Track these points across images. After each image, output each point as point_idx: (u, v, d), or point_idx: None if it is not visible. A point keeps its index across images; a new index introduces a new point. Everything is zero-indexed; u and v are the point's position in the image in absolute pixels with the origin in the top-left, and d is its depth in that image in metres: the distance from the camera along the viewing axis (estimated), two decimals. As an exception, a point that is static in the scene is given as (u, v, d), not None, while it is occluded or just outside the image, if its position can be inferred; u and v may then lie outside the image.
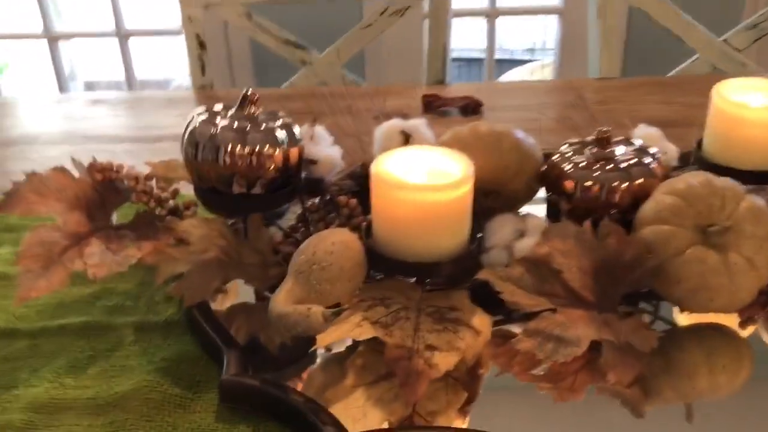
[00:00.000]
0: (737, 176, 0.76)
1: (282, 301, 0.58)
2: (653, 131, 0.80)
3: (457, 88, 1.23)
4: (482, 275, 0.65)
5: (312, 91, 1.26)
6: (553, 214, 0.73)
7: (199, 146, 0.65)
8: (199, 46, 1.26)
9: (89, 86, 3.41)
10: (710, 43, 1.29)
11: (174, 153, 0.73)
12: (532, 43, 3.59)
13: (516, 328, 0.64)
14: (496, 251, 0.69)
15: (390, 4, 1.26)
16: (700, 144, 0.80)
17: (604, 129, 0.70)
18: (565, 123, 1.07)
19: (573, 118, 1.07)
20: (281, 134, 0.66)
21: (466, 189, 0.61)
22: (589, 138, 0.74)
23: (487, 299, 0.66)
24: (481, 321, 0.62)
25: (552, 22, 3.40)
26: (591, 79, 1.25)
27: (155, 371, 0.64)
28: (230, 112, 0.68)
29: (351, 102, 1.19)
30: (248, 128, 0.65)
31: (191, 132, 0.66)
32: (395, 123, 0.72)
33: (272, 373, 0.62)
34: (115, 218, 0.73)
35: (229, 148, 0.64)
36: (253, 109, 0.67)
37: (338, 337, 0.58)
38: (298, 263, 0.60)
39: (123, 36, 2.07)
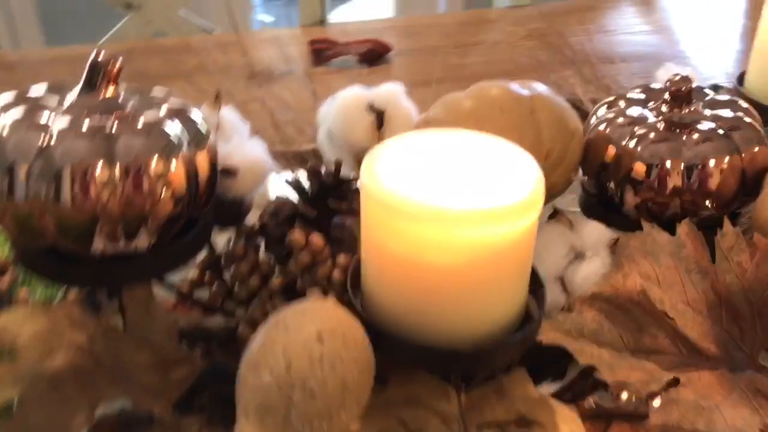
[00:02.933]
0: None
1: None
2: (685, 71, 0.58)
3: (344, 31, 0.94)
4: (546, 336, 0.40)
5: (146, 46, 0.91)
6: (598, 211, 0.48)
7: (16, 174, 0.33)
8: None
9: None
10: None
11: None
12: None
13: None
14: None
15: None
16: (741, 79, 0.59)
17: (679, 78, 0.46)
18: (529, 65, 0.82)
19: (534, 58, 0.83)
20: (175, 130, 0.35)
21: (537, 212, 0.35)
22: (636, 92, 0.49)
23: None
24: (573, 428, 0.37)
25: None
26: (504, 9, 1.01)
27: None
28: (68, 100, 0.36)
29: (209, 58, 0.86)
30: (112, 128, 0.34)
31: (-5, 146, 0.33)
32: (358, 94, 0.43)
33: None
34: None
35: (83, 173, 0.33)
36: (112, 89, 0.36)
37: None
38: (261, 392, 0.31)
39: None
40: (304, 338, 0.32)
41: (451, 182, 0.34)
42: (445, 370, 0.38)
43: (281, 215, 0.42)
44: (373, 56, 0.86)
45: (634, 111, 0.47)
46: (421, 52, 0.88)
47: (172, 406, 0.40)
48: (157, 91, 0.39)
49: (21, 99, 0.36)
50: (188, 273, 0.45)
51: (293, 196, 0.42)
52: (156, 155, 0.34)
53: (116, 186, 0.33)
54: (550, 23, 0.95)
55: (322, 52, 0.86)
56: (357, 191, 0.44)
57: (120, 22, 0.96)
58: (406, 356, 0.36)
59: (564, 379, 0.43)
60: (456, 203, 0.33)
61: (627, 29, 0.96)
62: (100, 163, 0.33)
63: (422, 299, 0.35)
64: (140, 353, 0.39)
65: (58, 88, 0.37)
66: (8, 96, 0.36)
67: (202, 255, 0.43)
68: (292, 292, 0.42)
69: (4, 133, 0.33)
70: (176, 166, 0.34)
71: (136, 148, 0.33)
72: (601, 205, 0.48)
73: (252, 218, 0.45)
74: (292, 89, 0.80)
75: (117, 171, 0.33)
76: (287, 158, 0.60)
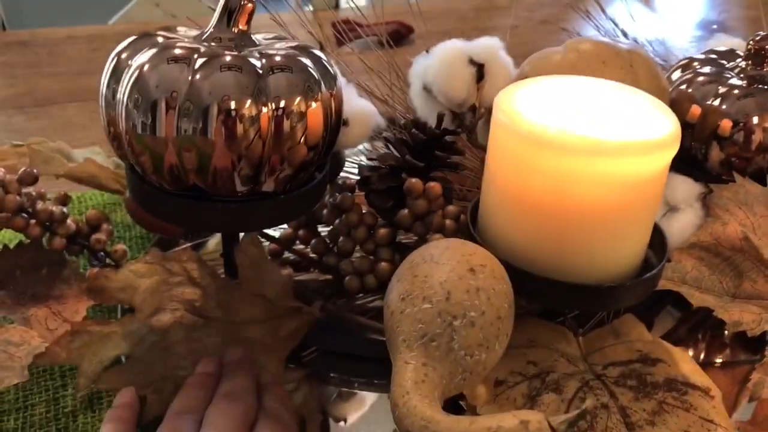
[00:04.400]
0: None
1: (424, 403, 0.29)
2: (736, 42, 0.59)
3: (365, 12, 0.94)
4: (664, 285, 0.40)
5: (160, 26, 0.89)
6: (677, 168, 0.49)
7: (158, 108, 0.32)
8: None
9: None
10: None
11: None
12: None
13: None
14: (645, 238, 0.44)
15: None
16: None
17: (760, 35, 0.47)
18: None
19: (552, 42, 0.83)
20: (311, 71, 0.35)
21: (673, 151, 0.35)
22: (717, 51, 0.51)
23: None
24: (694, 367, 0.37)
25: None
26: (514, -4, 1.02)
27: None
28: (207, 36, 0.35)
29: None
30: (258, 66, 0.33)
31: (138, 80, 0.32)
32: (458, 47, 0.43)
33: None
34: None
35: (231, 110, 0.32)
36: (244, 27, 0.35)
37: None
38: (426, 322, 0.31)
39: None
40: (458, 271, 0.32)
41: (588, 120, 0.35)
42: (573, 305, 0.38)
43: (384, 168, 0.41)
44: (398, 36, 0.86)
45: (712, 71, 0.49)
46: (442, 35, 0.89)
47: (282, 360, 0.39)
48: (287, 36, 0.38)
49: (158, 36, 0.35)
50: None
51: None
52: (298, 95, 0.33)
53: (263, 125, 0.32)
54: (565, 8, 0.97)
55: (346, 33, 0.85)
56: (456, 145, 0.44)
57: (128, 5, 0.94)
58: (535, 292, 0.36)
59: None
60: (599, 135, 0.33)
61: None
62: (248, 102, 0.32)
63: (556, 235, 0.35)
64: (253, 308, 0.38)
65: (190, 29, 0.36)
66: (139, 36, 0.35)
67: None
68: (396, 244, 0.42)
69: (145, 68, 0.32)
70: (314, 107, 0.34)
71: (281, 87, 0.33)
72: (683, 161, 0.49)
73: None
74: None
75: (266, 109, 0.32)
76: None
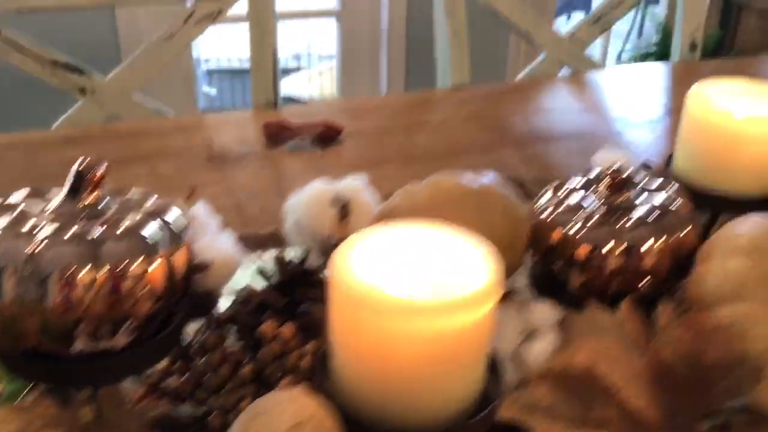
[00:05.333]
0: (723, 204, 0.62)
1: None
2: (618, 156, 0.63)
3: (299, 110, 0.98)
4: (504, 412, 0.42)
5: (102, 130, 0.93)
6: (546, 290, 0.52)
7: (3, 280, 0.34)
8: None
9: None
10: (557, 39, 1.17)
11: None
12: (297, 50, 3.38)
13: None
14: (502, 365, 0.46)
15: (196, 8, 0.97)
16: (669, 161, 0.64)
17: (616, 167, 0.50)
18: (472, 145, 0.87)
19: (477, 137, 0.87)
20: (154, 232, 0.37)
21: (493, 302, 0.38)
22: (577, 180, 0.54)
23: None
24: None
25: (315, 27, 3.23)
26: (447, 90, 1.07)
27: None
28: (51, 206, 0.38)
29: (164, 143, 0.88)
30: (97, 233, 0.36)
31: (-17, 252, 0.35)
32: (322, 189, 0.46)
33: None
34: None
35: (68, 278, 0.34)
36: (95, 195, 0.38)
37: None
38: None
39: None
40: (279, 427, 0.34)
41: (414, 274, 0.37)
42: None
43: (251, 304, 0.44)
44: (326, 138, 0.89)
45: (576, 196, 0.52)
46: (371, 132, 0.93)
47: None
48: (136, 193, 0.41)
49: (4, 207, 0.37)
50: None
51: (260, 284, 0.44)
52: (136, 259, 0.36)
53: (99, 289, 0.35)
54: (491, 103, 1.01)
55: (276, 135, 0.89)
56: (324, 280, 0.46)
57: (73, 107, 0.97)
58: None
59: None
60: (418, 294, 0.36)
61: (563, 108, 1.02)
62: (86, 268, 0.35)
63: (388, 386, 0.37)
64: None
65: (37, 195, 0.39)
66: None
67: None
68: (262, 380, 0.44)
69: (-8, 241, 0.35)
70: (155, 268, 0.37)
71: (118, 253, 0.35)
72: (549, 284, 0.52)
73: (221, 307, 0.46)
74: (249, 172, 0.82)
75: (100, 275, 0.35)
76: (250, 242, 0.62)
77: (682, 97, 0.62)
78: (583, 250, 0.48)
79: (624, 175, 0.49)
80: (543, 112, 1.01)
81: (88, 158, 0.37)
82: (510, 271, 0.51)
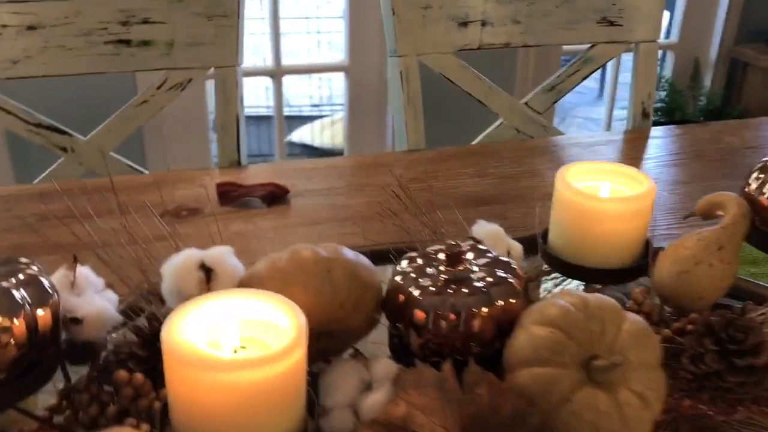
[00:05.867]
0: (590, 276, 0.68)
1: None
2: (494, 228, 0.70)
3: (255, 172, 1.07)
4: (327, 456, 0.49)
5: (77, 185, 1.03)
6: (398, 348, 0.59)
7: None
8: None
9: None
10: (512, 106, 1.25)
11: None
12: (318, 98, 3.52)
13: None
14: (339, 413, 0.53)
15: (167, 76, 1.07)
16: (545, 236, 0.71)
17: (454, 243, 0.58)
18: (384, 209, 0.94)
19: (390, 202, 0.95)
20: (20, 294, 0.46)
21: (299, 355, 0.45)
22: (432, 250, 0.61)
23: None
24: None
25: (335, 78, 3.36)
26: (399, 153, 1.15)
27: None
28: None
29: (130, 197, 0.98)
30: (-32, 294, 0.44)
31: None
32: (191, 255, 0.54)
33: None
34: None
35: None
36: (-23, 262, 0.47)
37: None
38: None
39: None
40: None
41: (232, 336, 0.45)
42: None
43: (121, 354, 0.52)
44: (274, 197, 0.98)
45: (425, 266, 0.59)
46: (317, 194, 1.01)
47: None
48: (22, 262, 0.50)
49: None
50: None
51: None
52: (2, 316, 0.44)
53: (-33, 338, 0.43)
54: (438, 166, 1.08)
55: (228, 194, 0.98)
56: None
57: (55, 164, 1.08)
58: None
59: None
60: (234, 353, 0.44)
61: (505, 173, 1.09)
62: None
63: (212, 429, 0.45)
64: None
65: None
66: None
67: (61, 386, 0.53)
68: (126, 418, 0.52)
69: None
70: (18, 323, 0.45)
71: (-14, 309, 0.44)
72: (401, 344, 0.59)
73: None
74: (197, 227, 0.91)
75: (-33, 327, 0.43)
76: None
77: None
78: (420, 314, 0.55)
79: (458, 252, 0.56)
80: (487, 176, 1.08)
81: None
82: (363, 329, 0.58)
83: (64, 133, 1.07)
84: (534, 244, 0.71)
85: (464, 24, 1.18)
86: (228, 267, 0.55)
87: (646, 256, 0.67)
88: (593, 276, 0.67)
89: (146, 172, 1.11)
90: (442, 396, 0.52)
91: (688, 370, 0.57)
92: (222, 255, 0.55)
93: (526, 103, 1.26)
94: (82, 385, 0.52)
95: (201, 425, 0.45)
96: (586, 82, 1.33)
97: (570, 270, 0.68)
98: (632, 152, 1.22)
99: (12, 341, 0.45)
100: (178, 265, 0.54)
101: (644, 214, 0.65)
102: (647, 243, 0.68)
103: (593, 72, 1.29)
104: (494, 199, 1.01)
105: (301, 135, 2.97)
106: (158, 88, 1.08)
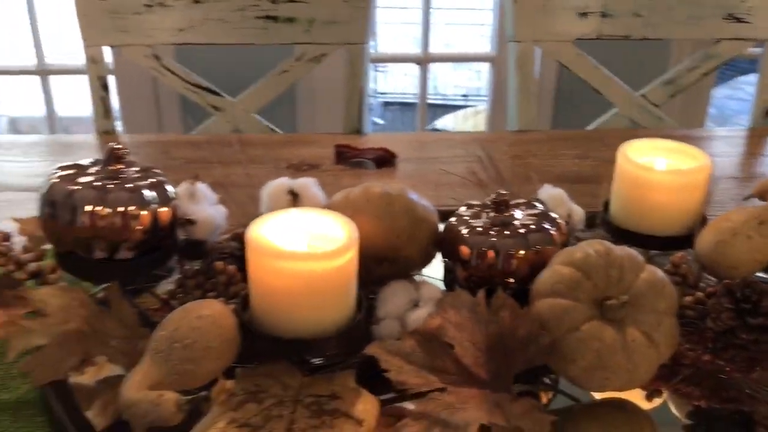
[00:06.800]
0: (642, 241, 0.74)
1: (134, 385, 0.52)
2: (557, 192, 0.77)
3: (372, 138, 1.19)
4: (370, 350, 0.60)
5: (221, 138, 1.20)
6: (450, 281, 0.69)
7: (56, 206, 0.59)
8: (102, 89, 1.19)
9: (12, 122, 3.29)
10: (628, 97, 1.29)
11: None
12: (467, 88, 3.61)
13: (412, 406, 0.59)
14: (388, 322, 0.64)
15: (305, 50, 1.22)
16: (606, 206, 0.77)
17: (502, 191, 0.66)
18: (474, 178, 1.03)
19: (479, 173, 1.03)
20: (149, 193, 0.60)
21: (350, 256, 0.56)
22: (490, 200, 0.70)
23: (380, 377, 0.61)
24: (366, 407, 0.57)
25: (485, 69, 3.43)
26: (508, 132, 1.23)
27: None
28: (96, 169, 0.62)
29: (264, 152, 1.14)
30: (112, 186, 0.59)
31: (47, 190, 0.60)
32: (282, 182, 0.67)
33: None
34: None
35: (87, 209, 0.58)
36: (120, 166, 0.62)
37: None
38: (157, 340, 0.54)
39: (43, 73, 1.98)
40: (189, 316, 0.55)
41: (300, 238, 0.57)
42: (292, 353, 0.58)
43: (223, 253, 0.66)
44: (383, 160, 1.10)
45: (480, 212, 0.68)
46: (423, 161, 1.12)
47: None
48: (155, 171, 0.64)
49: (72, 166, 0.62)
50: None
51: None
52: (132, 205, 0.59)
53: (106, 219, 0.58)
54: (541, 147, 1.16)
55: (343, 154, 1.11)
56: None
57: (209, 120, 1.26)
58: (267, 345, 0.58)
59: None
60: (302, 248, 0.55)
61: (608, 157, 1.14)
62: (98, 205, 0.58)
63: (280, 309, 0.57)
64: (118, 329, 0.63)
65: (95, 163, 0.64)
66: (66, 163, 0.63)
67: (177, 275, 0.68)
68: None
69: (52, 183, 0.60)
70: (144, 213, 0.59)
71: (121, 199, 0.59)
72: (449, 276, 0.68)
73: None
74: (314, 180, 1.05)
75: (107, 211, 0.58)
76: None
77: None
78: (464, 250, 0.65)
79: (504, 202, 0.65)
80: (588, 158, 1.14)
81: (116, 144, 0.61)
82: (418, 261, 0.68)
83: (216, 94, 1.24)
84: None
85: (584, 14, 1.23)
86: (311, 193, 0.67)
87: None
88: (644, 241, 0.73)
89: (280, 132, 1.26)
90: (473, 317, 0.61)
91: (708, 327, 0.63)
92: (307, 183, 0.67)
93: (643, 95, 1.30)
94: (190, 274, 0.66)
95: (273, 305, 0.57)
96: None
97: (622, 235, 0.74)
98: (754, 149, 1.21)
99: (140, 227, 0.60)
100: (272, 189, 0.67)
101: (695, 188, 0.70)
102: (704, 217, 0.72)
103: (716, 68, 1.30)
104: (589, 179, 1.06)
105: (444, 122, 3.07)
106: (297, 60, 1.23)
